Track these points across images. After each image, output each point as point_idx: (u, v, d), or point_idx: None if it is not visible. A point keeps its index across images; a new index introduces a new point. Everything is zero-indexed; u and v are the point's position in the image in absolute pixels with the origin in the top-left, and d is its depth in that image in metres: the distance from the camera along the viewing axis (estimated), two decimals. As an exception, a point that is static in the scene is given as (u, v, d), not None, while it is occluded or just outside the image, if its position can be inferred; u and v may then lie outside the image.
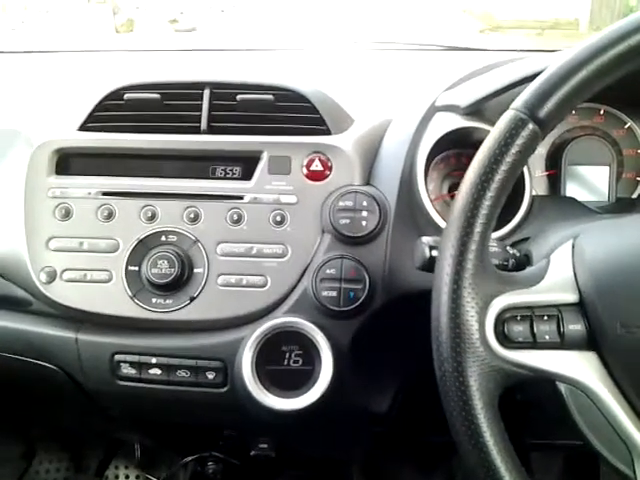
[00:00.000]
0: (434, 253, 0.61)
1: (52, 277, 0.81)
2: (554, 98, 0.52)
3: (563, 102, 0.52)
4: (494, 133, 0.53)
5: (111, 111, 0.86)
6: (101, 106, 0.86)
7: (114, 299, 0.80)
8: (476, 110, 0.81)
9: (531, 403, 0.80)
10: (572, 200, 0.82)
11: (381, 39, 1.40)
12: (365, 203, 0.80)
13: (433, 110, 0.84)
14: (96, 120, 0.86)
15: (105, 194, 0.83)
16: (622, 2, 5.63)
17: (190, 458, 1.03)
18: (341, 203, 0.80)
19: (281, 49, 1.37)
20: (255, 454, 0.98)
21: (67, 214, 0.83)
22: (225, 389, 0.81)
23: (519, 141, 0.52)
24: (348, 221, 0.79)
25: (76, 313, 0.82)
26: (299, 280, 0.80)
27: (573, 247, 0.57)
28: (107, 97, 0.86)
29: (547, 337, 0.52)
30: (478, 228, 0.52)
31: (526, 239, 0.74)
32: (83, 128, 0.86)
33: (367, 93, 1.01)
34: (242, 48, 1.35)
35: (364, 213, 0.79)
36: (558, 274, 0.55)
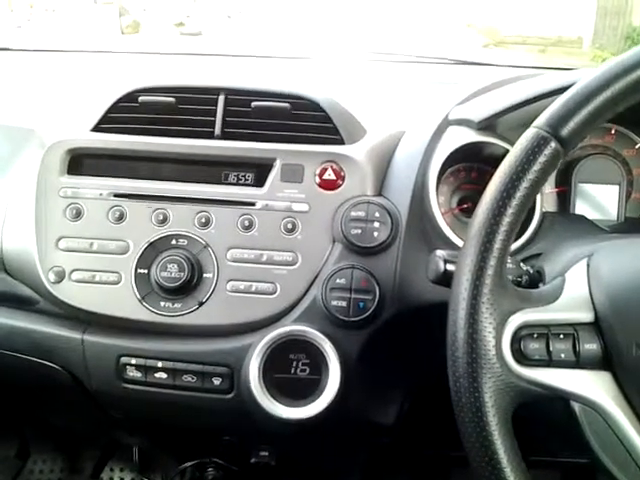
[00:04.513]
0: (449, 267, 0.61)
1: (60, 277, 0.81)
2: (577, 117, 0.52)
3: (586, 122, 0.52)
4: (516, 150, 0.53)
5: (125, 113, 0.86)
6: (115, 108, 0.86)
7: (122, 301, 0.80)
8: (489, 125, 0.81)
9: (534, 419, 0.80)
10: (582, 218, 0.82)
11: (389, 51, 1.41)
12: (377, 214, 0.80)
13: (446, 123, 0.84)
14: (110, 121, 0.86)
15: (117, 196, 0.83)
16: (626, 22, 5.67)
17: (189, 463, 1.02)
18: (353, 213, 0.80)
19: (289, 57, 1.37)
20: (255, 462, 0.97)
21: (78, 214, 0.83)
22: (231, 395, 0.81)
23: (541, 159, 0.52)
24: (359, 231, 0.79)
25: (83, 314, 0.82)
26: (309, 289, 0.80)
27: (588, 266, 0.57)
28: (122, 99, 0.87)
29: (563, 356, 0.53)
30: (497, 244, 0.52)
31: (537, 255, 0.74)
32: (96, 129, 0.86)
33: (377, 104, 1.02)
34: (249, 55, 1.35)
35: (376, 224, 0.79)
36: (574, 293, 0.55)
